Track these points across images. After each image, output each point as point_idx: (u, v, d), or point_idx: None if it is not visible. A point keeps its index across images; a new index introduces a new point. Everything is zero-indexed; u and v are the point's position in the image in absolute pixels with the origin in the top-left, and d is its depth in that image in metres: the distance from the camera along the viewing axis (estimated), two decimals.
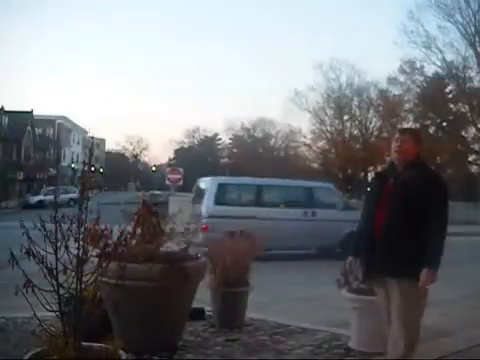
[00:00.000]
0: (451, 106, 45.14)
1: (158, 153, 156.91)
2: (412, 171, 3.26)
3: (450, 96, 44.95)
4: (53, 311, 2.82)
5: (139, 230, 4.38)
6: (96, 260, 2.99)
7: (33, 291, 2.74)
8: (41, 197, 34.43)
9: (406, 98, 46.72)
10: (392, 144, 3.36)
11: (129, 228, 4.23)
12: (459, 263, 10.66)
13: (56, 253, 2.77)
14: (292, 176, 21.99)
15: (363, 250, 3.36)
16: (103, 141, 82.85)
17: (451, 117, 45.05)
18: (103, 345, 2.94)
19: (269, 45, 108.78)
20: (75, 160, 63.45)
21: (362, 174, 47.81)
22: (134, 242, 4.28)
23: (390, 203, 3.22)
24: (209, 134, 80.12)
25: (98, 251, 3.09)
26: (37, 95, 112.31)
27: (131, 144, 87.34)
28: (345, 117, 50.36)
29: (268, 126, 68.71)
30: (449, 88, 45.02)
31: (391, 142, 3.40)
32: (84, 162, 3.42)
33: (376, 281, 3.41)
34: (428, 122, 47.33)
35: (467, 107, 42.13)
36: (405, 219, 3.16)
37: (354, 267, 3.54)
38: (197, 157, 72.57)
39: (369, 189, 3.53)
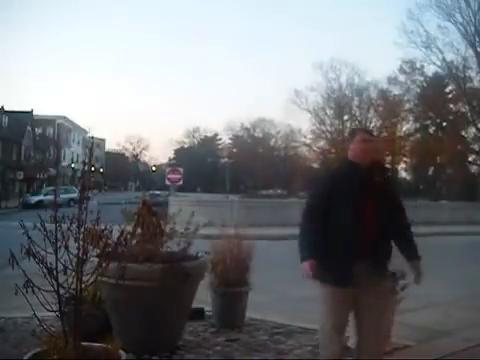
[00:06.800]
0: (451, 106, 45.18)
1: (158, 153, 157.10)
2: (380, 171, 3.28)
3: (450, 96, 45.00)
4: (53, 311, 2.82)
5: (139, 230, 4.38)
6: (96, 260, 2.99)
7: (33, 291, 2.74)
8: (41, 197, 34.28)
9: (406, 98, 46.76)
10: (356, 144, 3.23)
11: (129, 228, 4.23)
12: (459, 263, 10.67)
13: (56, 253, 2.77)
14: (292, 176, 21.97)
15: (344, 251, 3.10)
16: (103, 141, 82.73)
17: (451, 117, 45.09)
18: (103, 345, 2.94)
19: (269, 45, 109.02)
20: (75, 160, 63.37)
21: None
22: (134, 242, 4.28)
23: (378, 204, 3.13)
24: (209, 134, 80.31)
25: (98, 251, 3.10)
26: (37, 95, 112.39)
27: (131, 144, 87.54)
28: (345, 117, 50.46)
29: (268, 126, 68.91)
30: (449, 88, 45.11)
31: (352, 142, 3.28)
32: (84, 162, 3.42)
33: (352, 285, 3.14)
34: (428, 122, 47.38)
35: (467, 107, 42.14)
36: (390, 220, 3.19)
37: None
38: (197, 157, 72.63)
39: (331, 186, 3.17)
